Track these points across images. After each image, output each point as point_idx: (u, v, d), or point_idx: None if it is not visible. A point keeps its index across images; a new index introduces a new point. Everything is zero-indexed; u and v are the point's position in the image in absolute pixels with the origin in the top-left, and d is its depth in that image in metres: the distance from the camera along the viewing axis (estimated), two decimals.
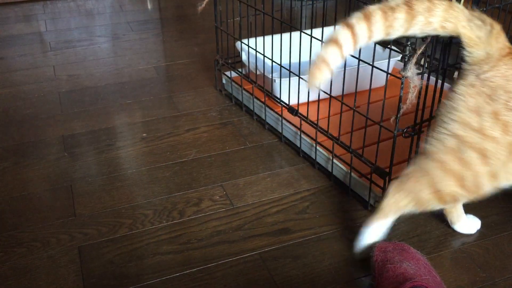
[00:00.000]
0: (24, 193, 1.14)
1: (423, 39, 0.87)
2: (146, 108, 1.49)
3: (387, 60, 1.36)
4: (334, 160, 1.13)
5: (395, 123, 0.95)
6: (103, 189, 1.15)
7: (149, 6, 2.41)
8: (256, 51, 1.35)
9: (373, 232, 0.93)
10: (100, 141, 1.33)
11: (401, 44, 0.94)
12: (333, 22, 0.95)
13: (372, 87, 1.32)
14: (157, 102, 1.53)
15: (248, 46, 1.39)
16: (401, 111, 0.91)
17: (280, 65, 1.27)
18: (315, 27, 1.28)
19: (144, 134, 1.36)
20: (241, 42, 1.43)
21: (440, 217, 1.03)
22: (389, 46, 0.97)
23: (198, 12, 1.38)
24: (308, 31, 1.17)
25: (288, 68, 1.23)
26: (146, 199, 1.12)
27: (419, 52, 0.87)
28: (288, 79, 1.28)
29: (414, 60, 0.88)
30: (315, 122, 1.18)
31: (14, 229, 1.03)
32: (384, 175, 1.00)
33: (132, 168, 1.22)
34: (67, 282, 0.91)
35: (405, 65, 0.89)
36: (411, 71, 0.88)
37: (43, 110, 1.48)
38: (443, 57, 0.94)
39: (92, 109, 1.49)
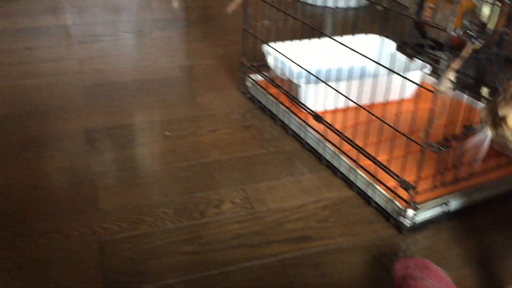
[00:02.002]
0: (47, 183, 1.15)
1: (457, 55, 0.86)
2: (169, 106, 1.50)
3: (416, 71, 1.35)
4: (358, 170, 1.12)
5: (425, 137, 0.94)
6: (125, 185, 1.15)
7: (175, 5, 2.43)
8: (283, 55, 1.35)
9: None
10: (123, 137, 1.34)
11: (430, 57, 0.93)
12: (362, 30, 0.95)
13: (399, 98, 1.32)
14: (181, 101, 1.53)
15: (276, 50, 1.39)
16: (432, 124, 0.90)
17: (307, 70, 1.26)
18: (344, 34, 1.28)
19: (167, 132, 1.36)
20: (269, 45, 1.42)
21: (463, 235, 1.02)
22: (417, 57, 0.96)
23: (227, 13, 1.38)
24: (337, 38, 1.16)
25: (315, 74, 1.22)
26: (168, 198, 1.12)
27: (453, 67, 0.87)
28: (314, 85, 1.27)
29: (448, 75, 0.87)
30: (340, 130, 1.17)
31: (36, 219, 1.04)
32: (409, 189, 0.99)
33: (154, 165, 1.22)
34: (87, 276, 0.91)
35: (438, 79, 0.88)
36: (445, 86, 0.87)
37: (68, 102, 1.49)
38: (475, 74, 0.92)
39: (116, 104, 1.50)
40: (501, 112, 0.76)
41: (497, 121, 0.77)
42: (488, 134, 0.78)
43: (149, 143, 1.32)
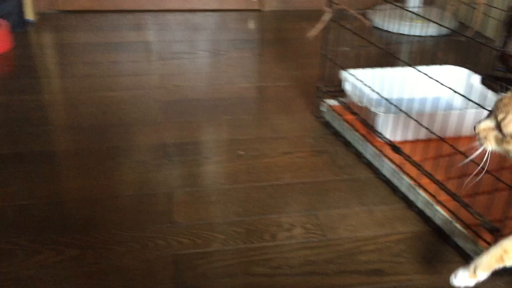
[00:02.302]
0: (126, 193, 1.20)
1: None
2: (244, 126, 1.52)
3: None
4: (436, 206, 1.09)
5: None
6: (199, 200, 1.18)
7: (251, 26, 2.48)
8: (362, 82, 1.34)
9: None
10: (199, 153, 1.37)
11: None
12: (441, 61, 0.93)
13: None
14: (255, 121, 1.56)
15: (354, 77, 1.38)
16: None
17: (386, 99, 1.25)
18: (423, 64, 1.25)
19: (241, 152, 1.39)
20: (347, 72, 1.42)
21: None
22: (503, 91, 0.92)
23: (308, 38, 1.40)
24: (419, 68, 1.14)
25: (394, 103, 1.21)
26: (240, 217, 1.13)
27: None
28: (392, 114, 1.25)
29: None
30: (419, 162, 1.14)
31: (115, 227, 1.08)
32: (493, 231, 0.94)
33: (228, 184, 1.25)
34: None
35: None
36: None
37: (148, 116, 1.56)
38: None
39: (193, 120, 1.54)
40: (507, 130, 0.77)
41: (499, 138, 0.80)
42: (488, 149, 0.81)
43: (223, 161, 1.35)
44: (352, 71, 1.41)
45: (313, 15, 2.57)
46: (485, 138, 0.81)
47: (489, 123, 0.81)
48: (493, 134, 0.81)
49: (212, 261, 1.01)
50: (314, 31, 1.37)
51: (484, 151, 0.82)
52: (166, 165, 1.32)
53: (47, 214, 1.11)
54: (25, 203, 1.14)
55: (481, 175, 0.90)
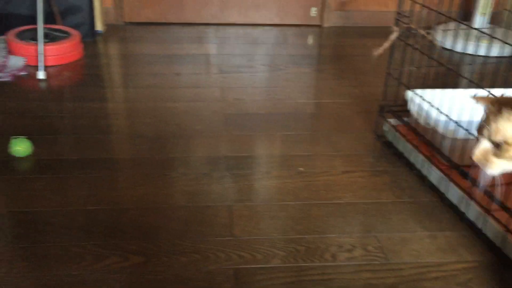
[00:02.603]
0: (189, 204, 1.22)
1: None
2: (304, 142, 1.52)
3: None
4: (507, 236, 1.04)
5: None
6: (260, 216, 1.19)
7: (311, 41, 2.49)
8: (429, 103, 1.31)
9: None
10: (259, 167, 1.38)
11: None
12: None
13: None
14: (314, 138, 1.55)
15: (421, 97, 1.35)
16: None
17: (455, 121, 1.21)
18: (494, 86, 1.21)
19: (300, 168, 1.39)
20: (413, 92, 1.39)
21: None
22: None
23: (374, 56, 1.38)
24: (490, 90, 1.10)
25: (463, 126, 1.17)
26: (299, 234, 1.13)
27: None
28: (461, 137, 1.21)
29: None
30: (490, 189, 1.10)
31: (178, 237, 1.10)
32: None
33: (288, 200, 1.25)
34: None
35: None
36: None
37: (209, 128, 1.59)
38: None
39: (253, 134, 1.56)
40: (497, 138, 0.78)
41: (497, 152, 0.79)
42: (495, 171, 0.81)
43: (282, 176, 1.35)
44: (418, 91, 1.38)
45: (374, 32, 2.55)
46: (487, 160, 0.80)
47: (482, 145, 0.80)
48: (491, 153, 0.80)
49: (272, 277, 1.00)
50: (380, 50, 1.35)
51: None
52: (227, 177, 1.33)
53: (113, 220, 1.15)
54: (92, 208, 1.18)
55: None
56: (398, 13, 1.38)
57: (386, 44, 1.38)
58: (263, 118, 1.66)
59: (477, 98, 0.87)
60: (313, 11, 2.62)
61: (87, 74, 2.00)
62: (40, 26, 1.90)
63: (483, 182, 0.87)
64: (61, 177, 1.30)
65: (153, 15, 2.55)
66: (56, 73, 1.94)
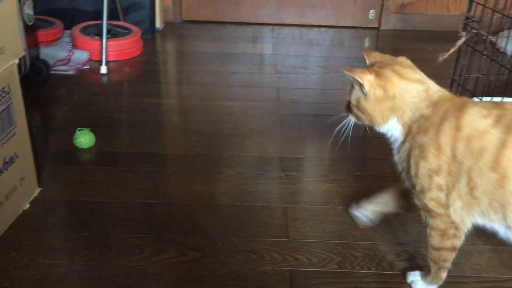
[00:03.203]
0: (244, 203, 1.22)
1: None
2: (359, 146, 1.49)
3: None
4: None
5: None
6: (316, 219, 1.18)
7: (367, 44, 2.45)
8: None
9: None
10: (315, 170, 1.37)
11: None
12: None
13: None
14: (372, 142, 1.52)
15: None
16: None
17: None
18: None
19: (357, 173, 1.36)
20: (479, 99, 1.34)
21: None
22: None
23: (439, 62, 1.34)
24: None
25: None
26: (356, 240, 1.11)
27: None
28: None
29: None
30: None
31: (234, 235, 1.11)
32: None
33: (344, 204, 1.23)
34: None
35: None
36: None
37: (264, 128, 1.59)
38: None
39: (309, 136, 1.54)
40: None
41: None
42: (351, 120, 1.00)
43: (340, 180, 1.33)
44: (486, 99, 1.33)
45: (433, 36, 2.48)
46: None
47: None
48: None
49: (328, 282, 0.99)
50: (446, 55, 1.31)
51: None
52: (282, 178, 1.33)
53: (170, 214, 1.17)
54: (151, 201, 1.21)
55: None
56: (467, 18, 1.34)
57: (452, 50, 1.34)
58: (318, 120, 1.65)
59: (365, 51, 0.99)
60: (371, 13, 2.58)
61: (146, 70, 2.05)
62: (105, 22, 1.96)
63: None
64: (121, 170, 1.33)
65: (210, 14, 2.59)
66: (116, 68, 2.00)
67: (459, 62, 1.38)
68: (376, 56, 0.96)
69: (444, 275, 0.94)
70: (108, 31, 2.03)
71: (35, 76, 1.78)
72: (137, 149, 1.44)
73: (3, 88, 1.02)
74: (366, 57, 0.97)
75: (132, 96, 1.79)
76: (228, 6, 2.57)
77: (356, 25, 2.60)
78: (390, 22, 2.57)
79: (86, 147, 1.41)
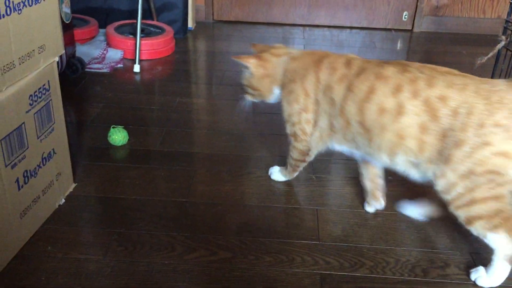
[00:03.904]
0: (276, 204, 1.22)
1: None
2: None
3: None
4: None
5: None
6: (347, 222, 1.17)
7: (399, 46, 2.41)
8: None
9: None
10: (347, 173, 1.36)
11: None
12: None
13: None
14: None
15: None
16: None
17: None
18: None
19: (389, 177, 1.34)
20: None
21: None
22: None
23: (476, 65, 1.31)
24: None
25: None
26: (388, 246, 1.10)
27: None
28: None
29: None
30: None
31: (264, 236, 1.11)
32: None
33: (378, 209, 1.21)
34: None
35: None
36: None
37: None
38: None
39: None
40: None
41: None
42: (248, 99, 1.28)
43: None
44: None
45: (468, 40, 2.43)
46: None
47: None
48: None
49: (359, 287, 0.98)
50: (484, 58, 1.28)
51: None
52: (312, 180, 1.32)
53: (201, 213, 1.18)
54: (183, 200, 1.22)
55: None
56: (507, 21, 1.31)
57: (491, 53, 1.31)
58: None
59: (252, 44, 1.24)
60: (405, 15, 2.54)
61: (178, 69, 2.07)
62: (139, 22, 1.99)
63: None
64: (153, 168, 1.35)
65: (241, 14, 2.60)
66: (149, 67, 2.03)
67: (497, 66, 1.35)
68: (261, 47, 1.22)
69: (295, 174, 1.27)
70: (142, 30, 2.06)
71: (71, 73, 1.82)
72: (168, 148, 1.45)
73: (43, 85, 1.05)
74: (253, 49, 1.23)
75: (164, 95, 1.81)
76: (260, 7, 2.58)
77: (389, 27, 2.57)
78: (424, 25, 2.53)
79: (119, 144, 1.44)
